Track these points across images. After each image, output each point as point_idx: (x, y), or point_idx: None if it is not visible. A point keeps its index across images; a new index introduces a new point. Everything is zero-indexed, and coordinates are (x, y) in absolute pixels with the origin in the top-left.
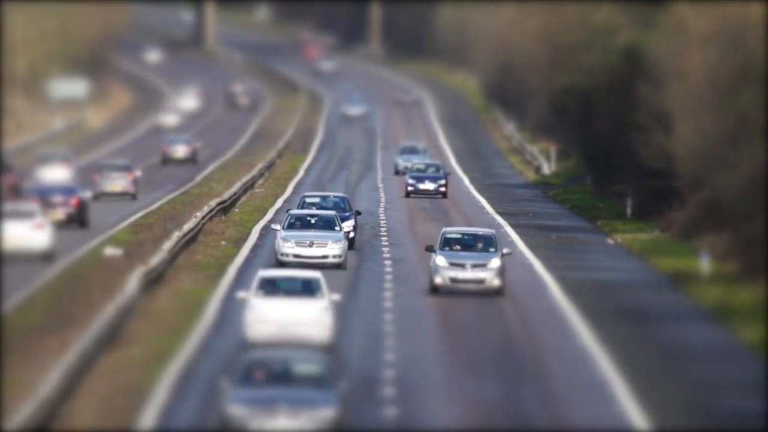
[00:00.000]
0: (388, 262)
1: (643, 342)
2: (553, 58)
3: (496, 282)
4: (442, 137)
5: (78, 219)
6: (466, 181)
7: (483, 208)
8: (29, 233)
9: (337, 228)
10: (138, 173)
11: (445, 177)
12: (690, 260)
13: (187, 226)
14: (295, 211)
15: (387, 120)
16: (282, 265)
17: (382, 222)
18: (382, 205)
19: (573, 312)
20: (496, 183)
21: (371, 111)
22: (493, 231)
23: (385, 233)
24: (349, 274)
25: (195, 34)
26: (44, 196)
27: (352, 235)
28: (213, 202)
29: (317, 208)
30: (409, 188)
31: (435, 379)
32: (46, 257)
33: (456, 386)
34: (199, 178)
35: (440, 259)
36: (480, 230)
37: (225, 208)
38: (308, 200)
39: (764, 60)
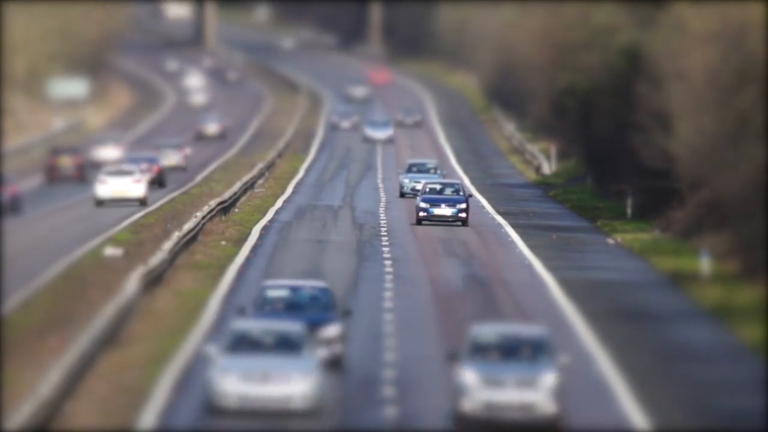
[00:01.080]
0: (388, 262)
1: (643, 342)
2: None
3: (548, 408)
4: (442, 137)
5: (158, 181)
6: (467, 181)
7: (483, 207)
8: (130, 185)
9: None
10: (188, 150)
11: (466, 200)
12: (690, 260)
13: (187, 226)
14: (241, 325)
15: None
16: (218, 413)
17: (382, 222)
18: (382, 205)
19: (573, 312)
20: (496, 183)
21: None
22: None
23: (386, 233)
24: (349, 274)
25: (195, 34)
26: (134, 163)
27: (338, 351)
28: (213, 202)
29: (285, 307)
30: (421, 214)
31: (435, 379)
32: (142, 202)
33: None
34: (199, 178)
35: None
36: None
37: (225, 208)
38: (271, 294)
39: (764, 60)
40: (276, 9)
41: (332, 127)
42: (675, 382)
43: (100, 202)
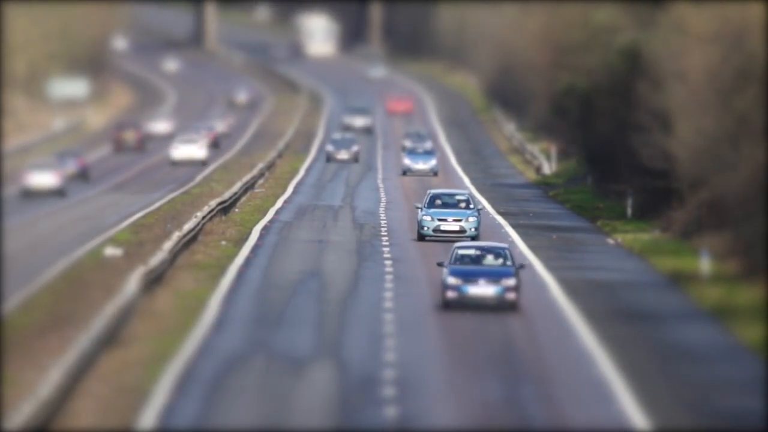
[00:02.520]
0: (388, 262)
1: (643, 342)
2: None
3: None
4: (442, 137)
5: (215, 144)
6: (467, 181)
7: (483, 207)
8: (196, 150)
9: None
10: (231, 120)
11: (516, 272)
12: (690, 260)
13: (187, 226)
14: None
15: (387, 120)
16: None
17: (382, 222)
18: (382, 205)
19: (573, 312)
20: (496, 183)
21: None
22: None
23: (386, 233)
24: (350, 274)
25: (195, 34)
26: (196, 131)
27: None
28: (213, 202)
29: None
30: (450, 295)
31: (435, 379)
32: (203, 162)
33: (456, 386)
34: (199, 178)
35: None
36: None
37: (225, 208)
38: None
39: (764, 60)
40: (276, 9)
41: (327, 158)
42: (675, 382)
43: (174, 163)
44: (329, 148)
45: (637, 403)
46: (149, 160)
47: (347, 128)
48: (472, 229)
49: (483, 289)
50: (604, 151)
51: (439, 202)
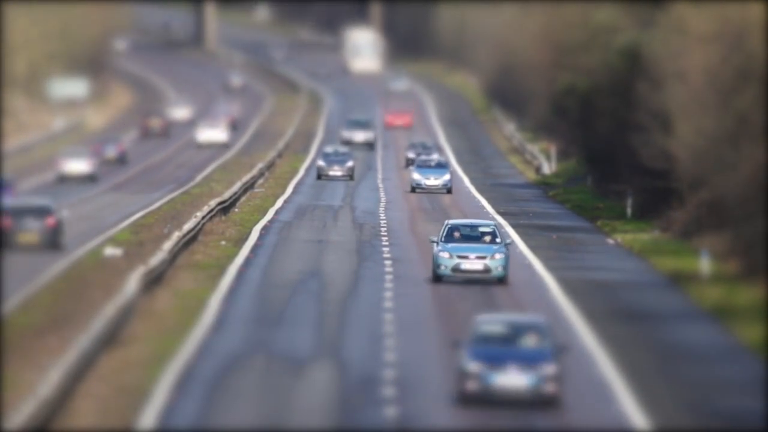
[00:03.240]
0: (388, 262)
1: (643, 342)
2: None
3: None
4: (442, 137)
5: (233, 126)
6: (467, 181)
7: (483, 207)
8: (219, 134)
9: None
10: (238, 107)
11: (553, 356)
12: (690, 260)
13: (187, 226)
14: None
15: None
16: None
17: (382, 222)
18: (382, 205)
19: (573, 312)
20: (496, 183)
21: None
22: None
23: (386, 233)
24: (349, 274)
25: (195, 34)
26: (216, 116)
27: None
28: (213, 202)
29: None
30: (471, 387)
31: (435, 378)
32: (226, 145)
33: (456, 386)
34: (199, 178)
35: None
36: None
37: (225, 208)
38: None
39: (764, 60)
40: (276, 9)
41: (318, 175)
42: (675, 382)
43: (200, 146)
44: (320, 163)
45: (637, 403)
46: (176, 144)
47: (347, 143)
48: (499, 268)
49: (512, 379)
50: (604, 151)
51: (458, 234)
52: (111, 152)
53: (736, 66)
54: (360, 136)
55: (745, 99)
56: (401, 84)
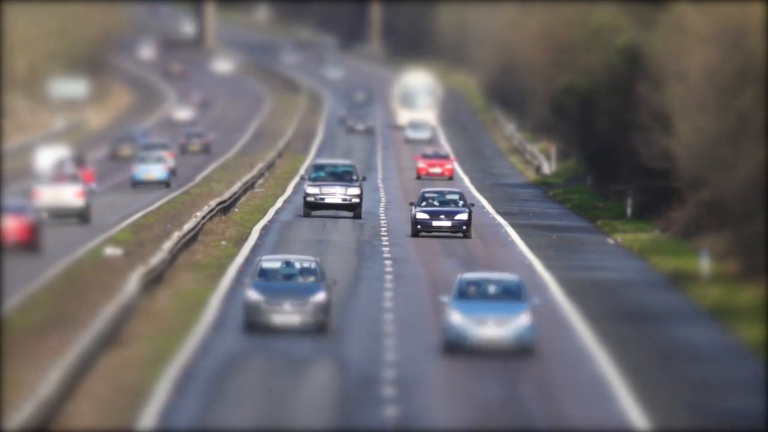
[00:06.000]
0: (388, 262)
1: (643, 342)
2: (553, 57)
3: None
4: (442, 137)
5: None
6: (467, 181)
7: (483, 207)
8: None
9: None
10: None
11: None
12: (690, 260)
13: (187, 226)
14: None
15: (387, 119)
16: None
17: (382, 222)
18: (382, 205)
19: (573, 312)
20: (496, 183)
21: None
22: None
23: (386, 233)
24: (349, 274)
25: (195, 34)
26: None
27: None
28: (213, 202)
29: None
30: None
31: (435, 378)
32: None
33: (456, 386)
34: (199, 178)
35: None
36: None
37: (225, 207)
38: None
39: (764, 60)
40: (276, 9)
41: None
42: (675, 382)
43: (174, 124)
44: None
45: (637, 403)
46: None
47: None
48: (521, 337)
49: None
50: (604, 151)
51: (474, 289)
52: (195, 144)
53: (736, 66)
54: (335, 195)
55: (745, 99)
56: (422, 134)
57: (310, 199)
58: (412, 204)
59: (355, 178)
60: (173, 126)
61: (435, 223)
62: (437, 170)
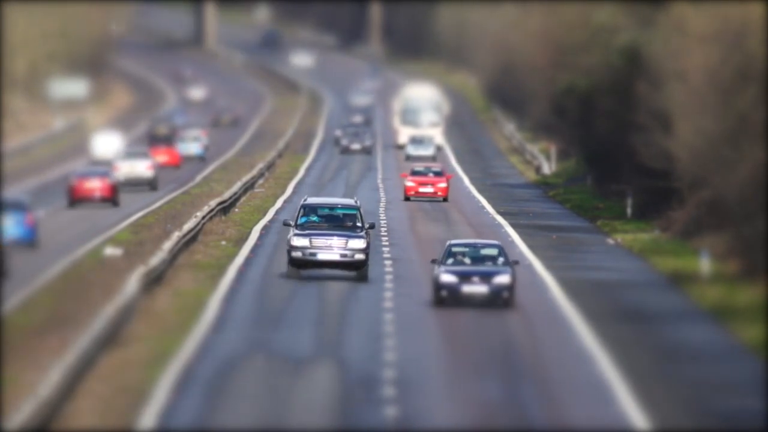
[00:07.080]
0: (388, 262)
1: (643, 342)
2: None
3: None
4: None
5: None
6: (467, 181)
7: (483, 207)
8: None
9: None
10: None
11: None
12: (690, 260)
13: (187, 226)
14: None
15: (387, 119)
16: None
17: (382, 222)
18: (382, 205)
19: (573, 312)
20: (496, 183)
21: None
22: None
23: (386, 233)
24: (349, 274)
25: (195, 34)
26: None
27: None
28: (213, 202)
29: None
30: None
31: (435, 378)
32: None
33: (456, 386)
34: (199, 178)
35: None
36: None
37: (225, 208)
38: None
39: (764, 60)
40: (276, 9)
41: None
42: (675, 382)
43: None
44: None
45: (637, 403)
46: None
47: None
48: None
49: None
50: (604, 151)
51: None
52: (227, 117)
53: (736, 66)
54: (332, 248)
55: (745, 99)
56: (426, 150)
57: (297, 254)
58: (434, 261)
59: (359, 225)
60: (189, 106)
61: (466, 289)
62: (428, 189)
